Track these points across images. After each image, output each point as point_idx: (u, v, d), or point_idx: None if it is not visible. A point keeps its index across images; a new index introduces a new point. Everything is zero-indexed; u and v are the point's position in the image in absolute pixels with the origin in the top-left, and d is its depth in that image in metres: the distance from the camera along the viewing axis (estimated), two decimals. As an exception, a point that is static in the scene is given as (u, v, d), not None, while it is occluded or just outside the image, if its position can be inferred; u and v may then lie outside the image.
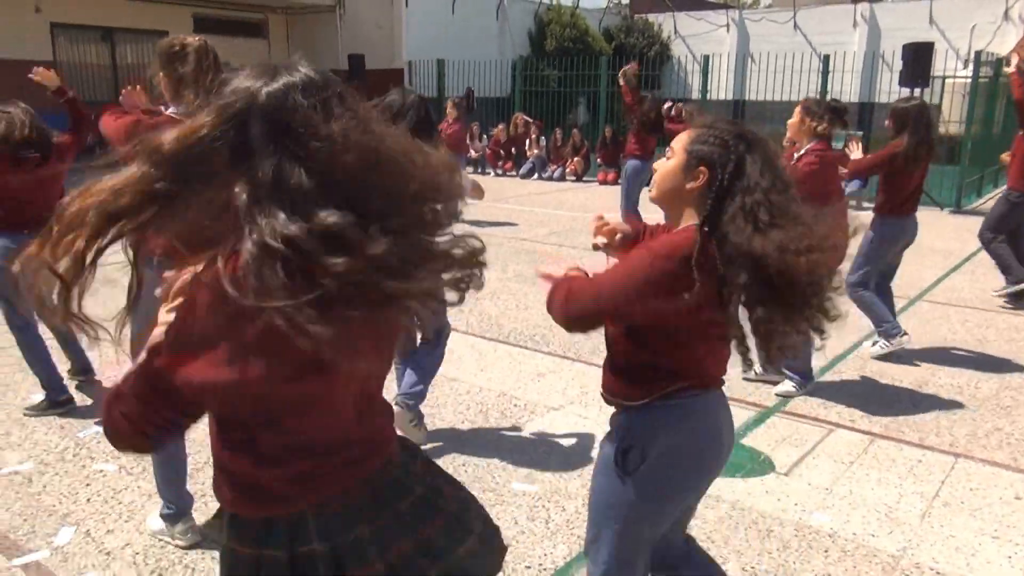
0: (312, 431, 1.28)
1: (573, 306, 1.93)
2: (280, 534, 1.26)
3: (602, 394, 2.08)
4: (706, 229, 1.80)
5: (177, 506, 2.95)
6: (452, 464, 3.65)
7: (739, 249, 1.74)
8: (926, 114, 5.07)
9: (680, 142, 1.94)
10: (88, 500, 3.30)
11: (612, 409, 2.07)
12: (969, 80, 12.93)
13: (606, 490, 2.03)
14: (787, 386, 4.61)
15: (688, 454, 1.96)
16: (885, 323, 5.18)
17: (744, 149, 1.83)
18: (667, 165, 1.95)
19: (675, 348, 1.94)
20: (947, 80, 14.36)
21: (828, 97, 14.02)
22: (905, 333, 5.19)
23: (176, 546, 2.96)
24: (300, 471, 1.27)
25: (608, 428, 2.06)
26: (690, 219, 1.90)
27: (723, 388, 2.08)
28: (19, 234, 4.03)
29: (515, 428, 4.09)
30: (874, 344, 5.30)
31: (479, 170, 15.92)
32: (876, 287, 5.29)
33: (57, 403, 4.16)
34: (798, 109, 4.50)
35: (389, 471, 1.37)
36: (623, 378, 2.01)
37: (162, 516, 2.98)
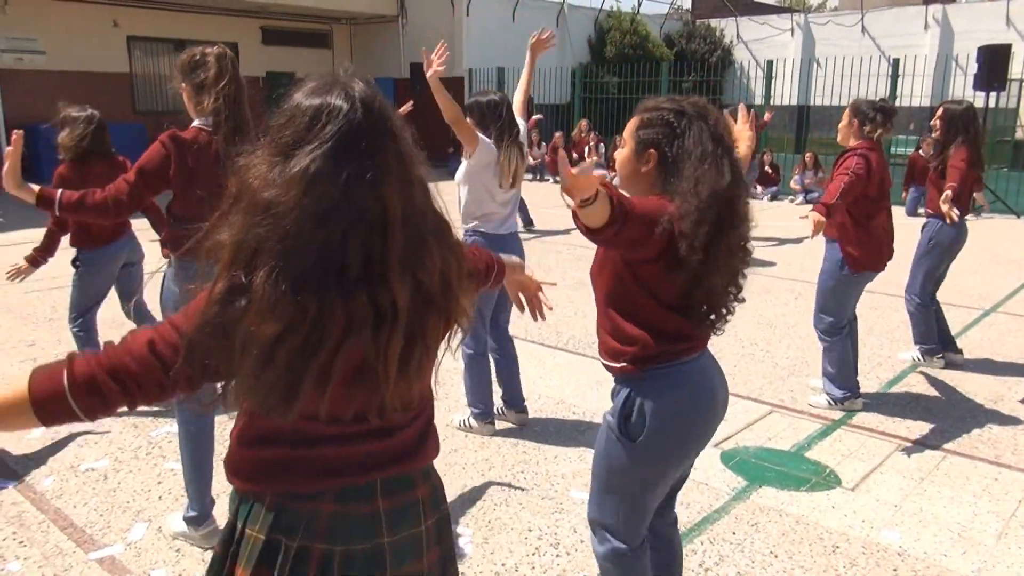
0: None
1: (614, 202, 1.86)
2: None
3: (604, 362, 2.15)
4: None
5: (201, 508, 3.03)
6: (511, 472, 3.67)
7: (690, 213, 1.89)
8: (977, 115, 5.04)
9: (629, 129, 2.09)
10: (160, 497, 3.41)
11: None
12: (1049, 83, 12.42)
13: (611, 457, 2.11)
14: (820, 399, 4.50)
15: (684, 418, 2.04)
16: (931, 343, 5.13)
17: (686, 125, 1.98)
18: (622, 154, 2.09)
19: (653, 312, 2.01)
20: (1025, 83, 13.83)
21: (898, 102, 13.67)
22: (942, 356, 5.14)
23: (200, 547, 3.02)
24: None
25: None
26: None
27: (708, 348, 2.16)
28: (94, 249, 4.24)
29: (573, 436, 4.08)
30: (911, 354, 5.25)
31: (538, 177, 15.96)
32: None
33: None
34: (847, 110, 4.38)
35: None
36: (617, 347, 2.08)
37: (185, 519, 3.05)
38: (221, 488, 3.14)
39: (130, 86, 16.90)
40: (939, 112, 4.96)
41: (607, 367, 2.14)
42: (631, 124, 2.09)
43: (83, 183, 4.18)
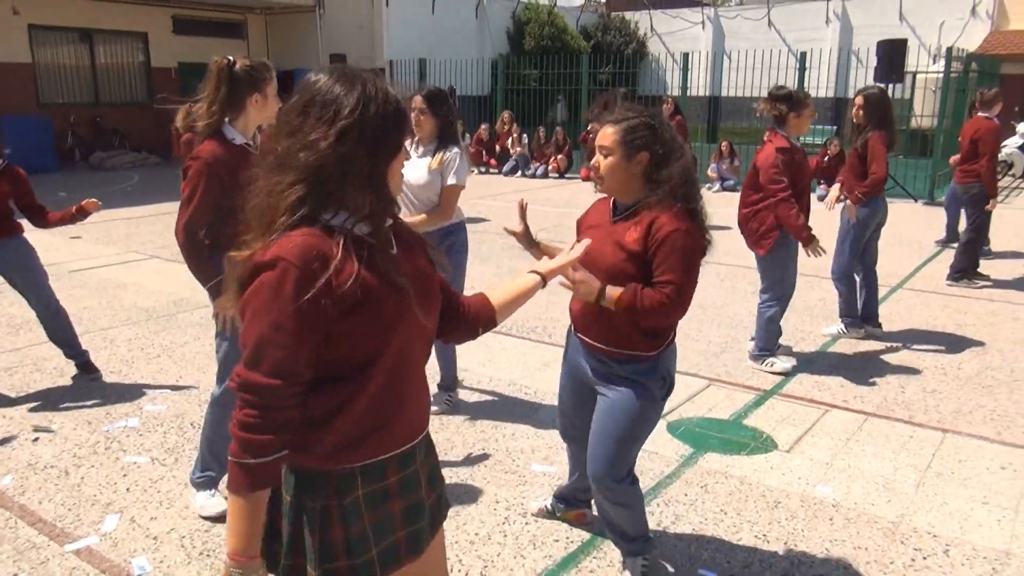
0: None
1: (672, 311, 2.45)
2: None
3: (623, 353, 2.55)
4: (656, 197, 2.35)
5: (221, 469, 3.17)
6: (473, 449, 3.83)
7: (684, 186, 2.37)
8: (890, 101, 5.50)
9: (612, 139, 2.38)
10: (128, 489, 3.43)
11: None
12: (940, 75, 13.29)
13: (640, 414, 2.53)
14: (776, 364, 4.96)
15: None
16: (853, 316, 5.61)
17: (659, 123, 2.37)
18: (611, 162, 2.40)
19: None
20: (918, 75, 14.75)
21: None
22: (862, 328, 5.62)
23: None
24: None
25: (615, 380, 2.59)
26: (641, 193, 2.40)
27: None
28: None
29: (528, 415, 4.27)
30: (836, 327, 5.68)
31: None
32: (864, 279, 5.57)
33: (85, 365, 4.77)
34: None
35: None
36: (645, 338, 2.54)
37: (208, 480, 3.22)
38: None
39: (33, 77, 16.15)
40: (859, 100, 5.31)
41: (629, 355, 2.53)
42: (612, 135, 2.37)
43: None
